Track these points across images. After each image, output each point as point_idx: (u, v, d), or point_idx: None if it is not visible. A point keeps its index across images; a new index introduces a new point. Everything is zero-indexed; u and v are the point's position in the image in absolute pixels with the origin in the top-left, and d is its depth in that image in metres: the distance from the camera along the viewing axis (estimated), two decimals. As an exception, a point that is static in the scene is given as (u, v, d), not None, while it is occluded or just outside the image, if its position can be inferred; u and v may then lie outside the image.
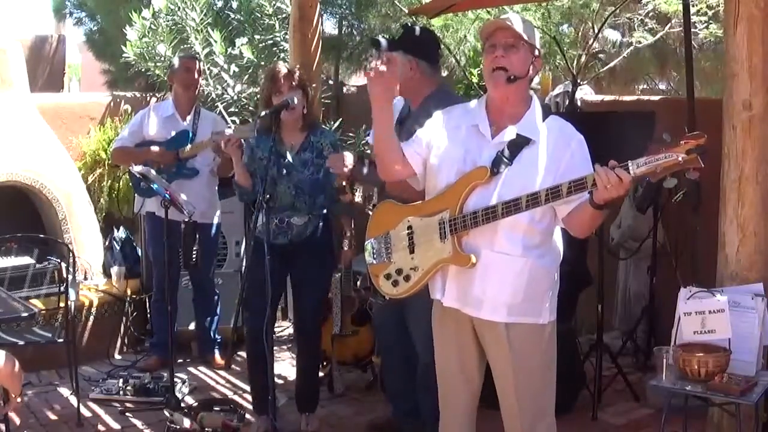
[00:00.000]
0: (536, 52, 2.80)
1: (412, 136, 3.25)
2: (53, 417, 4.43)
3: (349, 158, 3.69)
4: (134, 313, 5.53)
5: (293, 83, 4.00)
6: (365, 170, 3.69)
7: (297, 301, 4.27)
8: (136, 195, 5.26)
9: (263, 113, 3.90)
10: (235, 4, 7.07)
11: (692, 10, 5.95)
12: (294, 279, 4.19)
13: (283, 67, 4.11)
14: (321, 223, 4.10)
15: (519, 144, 2.74)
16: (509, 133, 2.76)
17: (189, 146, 4.93)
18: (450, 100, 3.43)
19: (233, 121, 6.25)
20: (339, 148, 4.12)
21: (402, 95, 3.68)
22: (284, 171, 3.97)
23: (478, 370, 2.97)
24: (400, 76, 3.57)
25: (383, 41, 3.66)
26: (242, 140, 4.08)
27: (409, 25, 3.76)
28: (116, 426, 4.32)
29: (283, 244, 4.00)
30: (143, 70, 6.76)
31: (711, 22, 6.29)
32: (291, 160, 4.00)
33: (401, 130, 3.65)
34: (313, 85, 4.16)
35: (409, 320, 3.64)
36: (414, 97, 3.65)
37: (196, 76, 5.15)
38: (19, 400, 2.73)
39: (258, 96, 6.50)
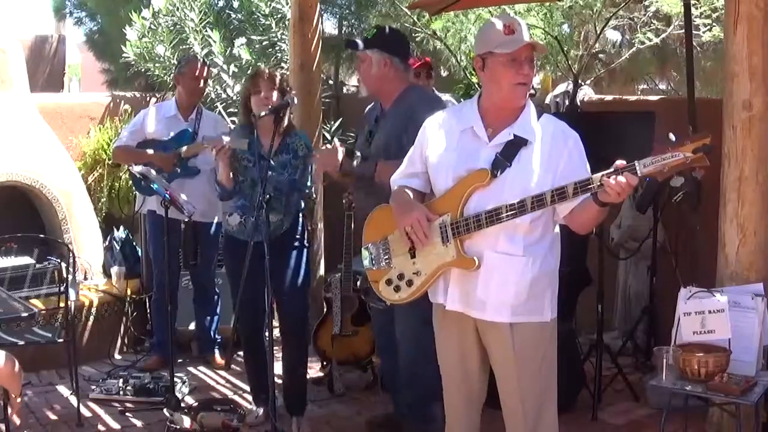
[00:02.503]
0: None
1: (386, 138, 3.30)
2: (53, 417, 4.43)
3: (339, 153, 3.67)
4: (134, 313, 5.53)
5: (273, 85, 4.03)
6: (356, 163, 3.68)
7: (280, 300, 4.17)
8: (136, 193, 5.25)
9: (263, 113, 3.90)
10: (235, 4, 7.07)
11: (695, 12, 5.95)
12: (273, 277, 4.14)
13: (264, 70, 4.16)
14: (294, 220, 4.14)
15: (516, 145, 2.73)
16: (507, 135, 2.76)
17: (186, 146, 4.93)
18: (428, 96, 3.47)
19: (233, 121, 6.25)
20: (311, 147, 4.18)
21: (374, 95, 3.75)
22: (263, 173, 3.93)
23: (481, 373, 2.96)
24: (375, 74, 3.63)
25: (359, 42, 3.71)
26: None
27: (380, 25, 3.83)
28: (116, 426, 4.31)
29: (259, 242, 3.88)
30: (143, 70, 6.77)
31: (714, 24, 6.30)
32: (272, 162, 4.00)
33: (377, 129, 3.69)
34: (293, 92, 4.16)
35: (396, 320, 3.66)
36: (386, 96, 3.69)
37: (203, 84, 5.14)
38: (19, 400, 2.74)
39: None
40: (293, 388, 4.27)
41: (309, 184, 4.18)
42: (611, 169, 2.53)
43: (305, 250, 4.21)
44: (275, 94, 4.03)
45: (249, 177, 4.06)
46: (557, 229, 2.86)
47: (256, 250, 3.65)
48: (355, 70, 8.07)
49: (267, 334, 3.75)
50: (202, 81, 5.11)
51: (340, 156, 3.66)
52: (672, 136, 2.49)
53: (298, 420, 4.22)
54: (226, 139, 4.08)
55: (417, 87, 3.78)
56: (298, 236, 4.16)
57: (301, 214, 4.19)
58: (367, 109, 3.96)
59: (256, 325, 4.12)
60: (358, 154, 3.67)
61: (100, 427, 4.30)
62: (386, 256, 2.96)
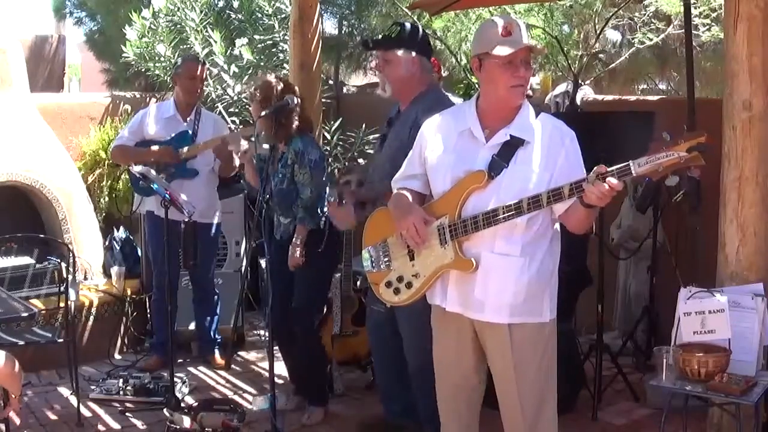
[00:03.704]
0: None
1: (398, 143, 3.32)
2: (53, 417, 4.43)
3: (350, 213, 3.63)
4: (134, 313, 5.53)
5: (257, 99, 4.10)
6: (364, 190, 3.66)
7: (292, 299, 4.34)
8: (135, 194, 5.25)
9: (263, 113, 3.94)
10: (235, 4, 7.07)
11: (694, 11, 5.95)
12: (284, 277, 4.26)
13: (261, 81, 4.19)
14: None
15: (513, 145, 2.73)
16: (503, 135, 2.76)
17: (187, 148, 4.94)
18: (440, 102, 3.41)
19: (233, 122, 6.25)
20: (304, 156, 4.11)
21: (397, 96, 3.64)
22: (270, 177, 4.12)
23: (479, 375, 2.96)
24: (404, 75, 3.54)
25: (384, 41, 3.62)
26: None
27: (402, 22, 3.72)
28: (116, 426, 4.31)
29: (278, 240, 4.26)
30: (143, 70, 6.77)
31: (713, 24, 6.30)
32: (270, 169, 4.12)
33: (389, 131, 3.65)
34: (289, 94, 4.11)
35: (400, 324, 3.64)
36: (405, 96, 3.61)
37: (200, 84, 5.14)
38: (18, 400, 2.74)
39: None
40: (304, 381, 4.42)
41: (306, 195, 4.11)
42: (607, 170, 2.53)
43: (314, 256, 4.19)
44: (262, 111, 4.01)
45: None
46: (557, 228, 2.85)
47: (278, 245, 3.86)
48: (355, 71, 8.10)
49: (266, 332, 3.79)
50: (199, 81, 5.10)
51: (352, 217, 3.61)
52: (666, 135, 2.49)
53: (310, 410, 4.32)
54: (245, 144, 4.21)
55: (435, 89, 3.66)
56: (312, 241, 4.15)
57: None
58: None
59: (283, 321, 4.23)
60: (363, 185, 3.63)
61: (100, 427, 4.30)
62: (386, 259, 2.97)
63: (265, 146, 4.04)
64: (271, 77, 4.23)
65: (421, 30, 3.69)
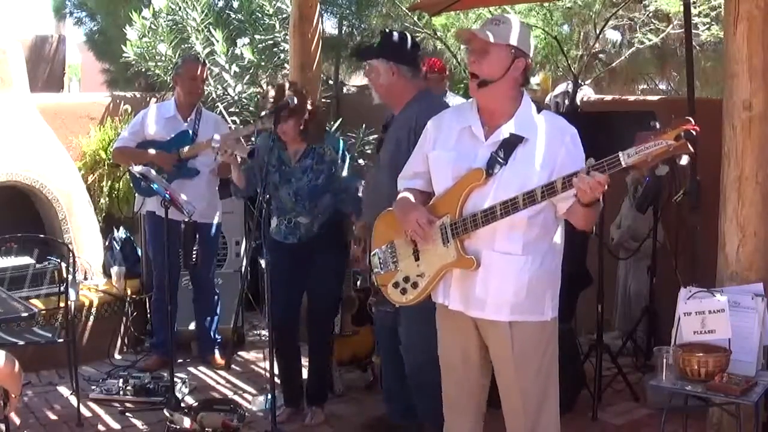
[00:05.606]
0: (515, 51, 2.74)
1: (394, 147, 3.37)
2: (53, 417, 4.43)
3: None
4: (134, 313, 5.53)
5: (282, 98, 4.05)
6: None
7: (310, 297, 4.34)
8: (136, 194, 5.26)
9: (262, 114, 3.96)
10: (236, 4, 7.07)
11: (694, 11, 5.95)
12: (308, 277, 4.24)
13: (279, 83, 4.25)
14: (328, 221, 4.17)
15: (513, 143, 2.73)
16: (503, 133, 2.76)
17: (187, 147, 4.94)
18: (432, 103, 3.44)
19: (234, 122, 6.25)
20: (345, 153, 4.19)
21: (385, 102, 3.71)
22: (284, 178, 4.13)
23: (483, 373, 2.96)
24: (383, 84, 3.61)
25: (367, 51, 3.70)
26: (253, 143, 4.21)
27: (387, 31, 3.77)
28: (116, 426, 4.31)
29: (293, 244, 4.17)
30: (143, 69, 6.77)
31: (713, 23, 6.29)
32: (291, 167, 4.14)
33: (385, 137, 3.68)
34: (309, 99, 4.15)
35: (402, 323, 3.64)
36: (396, 102, 3.66)
37: (201, 84, 5.14)
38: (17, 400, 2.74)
39: (258, 96, 6.54)
40: (316, 381, 4.38)
41: (357, 184, 4.13)
42: (596, 163, 2.52)
43: (337, 252, 4.23)
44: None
45: (272, 182, 4.10)
46: (560, 227, 2.85)
47: (291, 251, 3.89)
48: (355, 71, 8.11)
49: (267, 332, 3.77)
50: (200, 82, 5.10)
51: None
52: (654, 124, 2.49)
53: (313, 411, 4.30)
54: (249, 138, 4.31)
55: (426, 93, 3.70)
56: (330, 239, 4.18)
57: (336, 217, 4.21)
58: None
59: (286, 325, 4.19)
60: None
61: (100, 427, 4.30)
62: (393, 260, 2.98)
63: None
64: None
65: (408, 39, 3.72)
